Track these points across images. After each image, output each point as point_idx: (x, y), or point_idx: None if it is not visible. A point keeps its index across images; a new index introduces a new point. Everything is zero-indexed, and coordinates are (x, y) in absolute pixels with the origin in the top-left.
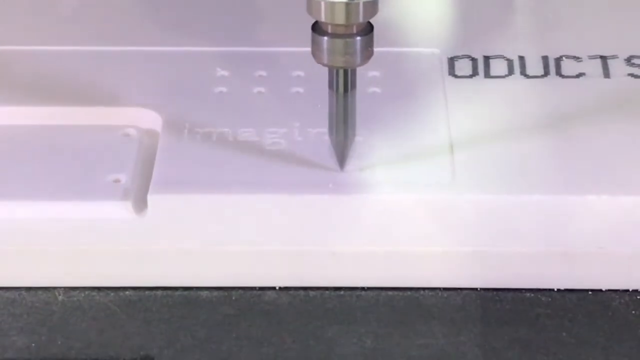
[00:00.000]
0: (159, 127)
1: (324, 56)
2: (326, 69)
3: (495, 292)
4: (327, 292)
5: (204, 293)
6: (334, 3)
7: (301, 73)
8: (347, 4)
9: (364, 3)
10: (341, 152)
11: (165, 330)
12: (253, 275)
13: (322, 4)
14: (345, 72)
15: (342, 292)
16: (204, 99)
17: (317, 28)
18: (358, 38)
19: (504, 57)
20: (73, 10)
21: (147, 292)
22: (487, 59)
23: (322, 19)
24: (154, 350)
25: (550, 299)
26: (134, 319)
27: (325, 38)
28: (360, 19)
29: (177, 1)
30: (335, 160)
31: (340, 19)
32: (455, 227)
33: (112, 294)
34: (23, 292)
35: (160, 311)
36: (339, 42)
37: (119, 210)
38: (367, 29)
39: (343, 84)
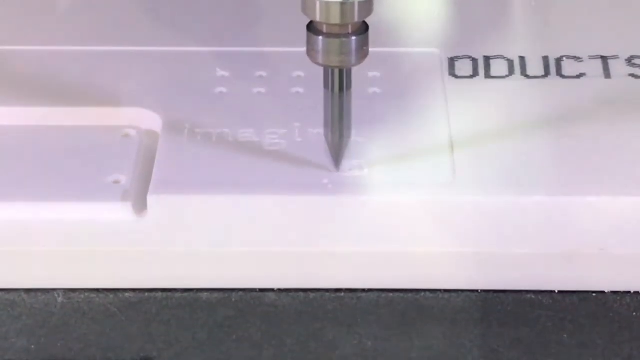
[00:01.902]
0: (158, 128)
1: (319, 56)
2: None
3: (496, 294)
4: (327, 293)
5: (204, 295)
6: (329, 3)
7: (301, 73)
8: (342, 4)
9: (359, 3)
10: (336, 152)
11: (165, 332)
12: (253, 276)
13: (317, 3)
14: (341, 71)
15: (342, 294)
16: (204, 100)
17: (312, 28)
18: (353, 38)
19: (505, 58)
20: (72, 10)
21: (147, 294)
22: (487, 59)
23: (317, 18)
24: (153, 352)
25: (551, 301)
26: (134, 320)
27: (321, 38)
28: (356, 19)
29: (176, 1)
30: (330, 160)
31: (335, 18)
32: (455, 229)
33: (111, 295)
34: (22, 294)
35: (160, 313)
36: (335, 42)
37: (118, 211)
38: (363, 29)
39: (339, 83)
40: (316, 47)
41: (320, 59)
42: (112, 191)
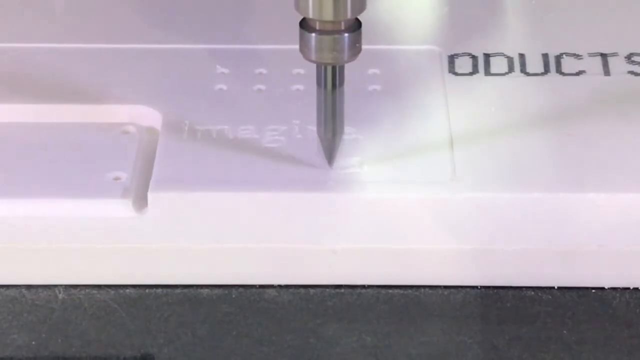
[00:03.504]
0: (158, 125)
1: (311, 53)
2: None
3: (495, 290)
4: (327, 290)
5: (204, 291)
6: (322, 0)
7: (301, 70)
8: (335, 1)
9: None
10: (329, 149)
11: (166, 328)
12: (253, 273)
13: (310, 0)
14: (334, 68)
15: (342, 290)
16: (203, 97)
17: (304, 25)
18: (346, 35)
19: (504, 55)
20: (72, 7)
21: (147, 290)
22: (487, 56)
23: (310, 15)
24: (154, 348)
25: (550, 297)
26: (134, 316)
27: (313, 35)
28: (348, 15)
29: None
30: (323, 157)
31: (328, 15)
32: (455, 225)
33: (112, 291)
34: (23, 290)
35: (161, 309)
36: (327, 39)
37: (119, 208)
38: (355, 26)
39: (331, 80)
40: (309, 44)
41: (313, 56)
42: (113, 188)
